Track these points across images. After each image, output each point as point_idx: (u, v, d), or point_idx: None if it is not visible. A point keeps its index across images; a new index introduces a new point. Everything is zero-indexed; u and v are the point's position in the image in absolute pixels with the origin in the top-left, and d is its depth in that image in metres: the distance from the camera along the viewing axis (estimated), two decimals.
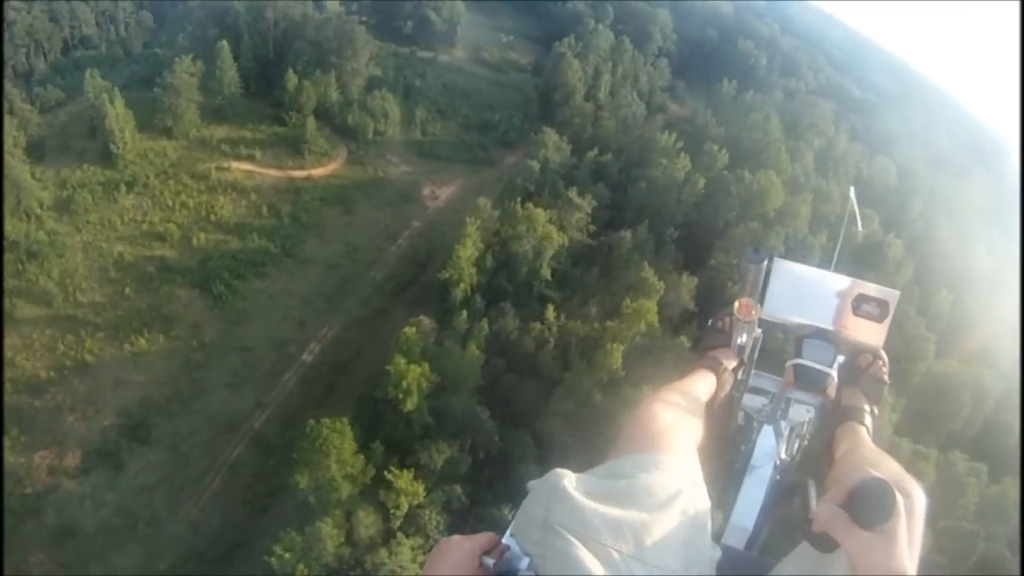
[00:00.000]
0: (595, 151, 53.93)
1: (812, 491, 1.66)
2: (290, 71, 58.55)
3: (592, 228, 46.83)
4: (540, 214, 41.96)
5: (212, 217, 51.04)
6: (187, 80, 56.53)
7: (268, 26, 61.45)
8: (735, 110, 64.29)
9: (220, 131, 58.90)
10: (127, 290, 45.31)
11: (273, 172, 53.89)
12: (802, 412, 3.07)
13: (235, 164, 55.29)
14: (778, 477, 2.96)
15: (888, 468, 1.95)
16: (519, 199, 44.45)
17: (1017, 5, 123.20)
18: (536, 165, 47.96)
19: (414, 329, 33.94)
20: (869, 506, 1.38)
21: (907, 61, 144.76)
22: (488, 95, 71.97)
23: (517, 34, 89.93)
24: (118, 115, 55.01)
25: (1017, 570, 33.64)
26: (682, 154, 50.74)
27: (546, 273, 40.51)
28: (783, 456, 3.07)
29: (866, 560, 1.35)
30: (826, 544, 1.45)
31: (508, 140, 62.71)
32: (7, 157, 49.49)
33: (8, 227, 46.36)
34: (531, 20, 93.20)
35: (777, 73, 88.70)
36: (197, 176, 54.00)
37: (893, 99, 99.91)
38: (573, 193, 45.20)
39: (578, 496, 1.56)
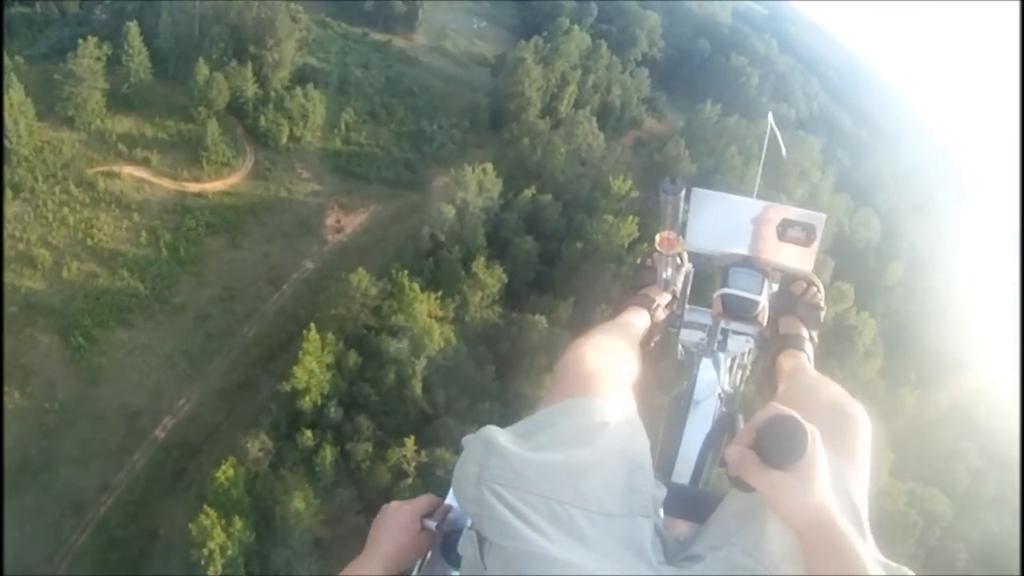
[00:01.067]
0: (533, 189, 47.92)
1: (740, 426, 1.67)
2: (200, 60, 53.14)
3: (499, 306, 41.61)
4: (421, 305, 36.43)
5: (88, 241, 47.86)
6: (91, 65, 52.58)
7: (191, 3, 54.08)
8: (714, 136, 58.68)
9: (123, 123, 55.18)
10: None
11: (165, 183, 49.65)
12: (741, 343, 3.19)
13: (127, 169, 51.65)
14: (724, 409, 3.05)
15: (829, 392, 1.99)
16: (405, 272, 38.72)
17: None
18: (450, 211, 41.61)
19: (229, 471, 30.19)
20: (778, 445, 1.39)
21: (904, 95, 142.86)
22: (437, 94, 65.41)
23: (493, 20, 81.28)
24: (13, 105, 51.39)
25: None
26: (630, 219, 45.20)
27: (416, 387, 35.66)
28: (726, 388, 3.17)
29: (781, 501, 1.37)
30: (744, 484, 1.44)
31: (444, 156, 55.96)
32: None
33: None
34: (512, 5, 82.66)
35: (768, 95, 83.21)
36: (84, 184, 50.45)
37: (885, 136, 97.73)
38: (480, 266, 39.23)
39: (511, 448, 1.54)
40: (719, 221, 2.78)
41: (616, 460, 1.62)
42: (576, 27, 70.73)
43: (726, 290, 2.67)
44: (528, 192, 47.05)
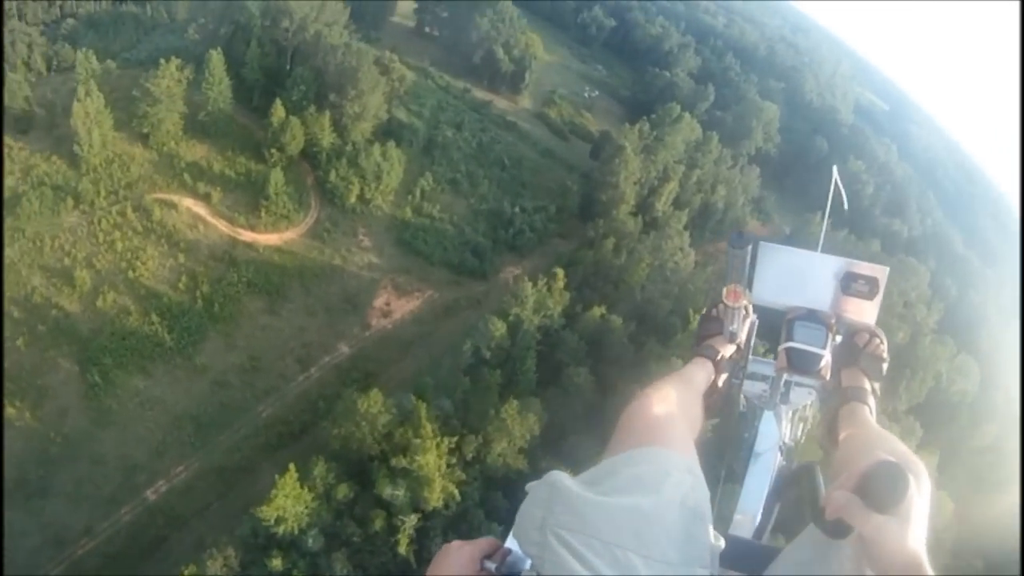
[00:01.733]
0: (602, 309, 45.84)
1: (819, 476, 1.88)
2: (277, 101, 54.30)
3: (525, 456, 38.87)
4: (428, 454, 32.50)
5: (130, 272, 48.65)
6: (170, 87, 54.18)
7: (284, 34, 52.65)
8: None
9: (196, 151, 56.43)
10: (20, 341, 44.09)
11: (220, 225, 51.84)
12: (803, 395, 3.34)
13: (187, 202, 53.04)
14: (783, 462, 3.17)
15: (893, 448, 2.08)
16: (423, 405, 34.89)
17: None
18: (500, 328, 38.09)
19: None
20: (883, 489, 1.49)
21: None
22: (528, 168, 64.25)
23: (606, 90, 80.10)
24: (88, 113, 52.66)
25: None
26: None
27: (402, 542, 31.74)
28: (787, 441, 3.30)
29: (882, 543, 1.46)
30: (839, 530, 1.56)
31: (520, 244, 53.93)
32: None
33: None
34: (627, 75, 78.77)
35: (882, 207, 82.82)
36: (141, 209, 52.12)
37: (997, 257, 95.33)
38: (511, 411, 35.21)
39: (576, 493, 1.64)
40: (785, 275, 2.94)
41: (677, 510, 1.70)
42: (688, 115, 69.27)
43: (791, 344, 2.81)
44: (596, 311, 45.57)
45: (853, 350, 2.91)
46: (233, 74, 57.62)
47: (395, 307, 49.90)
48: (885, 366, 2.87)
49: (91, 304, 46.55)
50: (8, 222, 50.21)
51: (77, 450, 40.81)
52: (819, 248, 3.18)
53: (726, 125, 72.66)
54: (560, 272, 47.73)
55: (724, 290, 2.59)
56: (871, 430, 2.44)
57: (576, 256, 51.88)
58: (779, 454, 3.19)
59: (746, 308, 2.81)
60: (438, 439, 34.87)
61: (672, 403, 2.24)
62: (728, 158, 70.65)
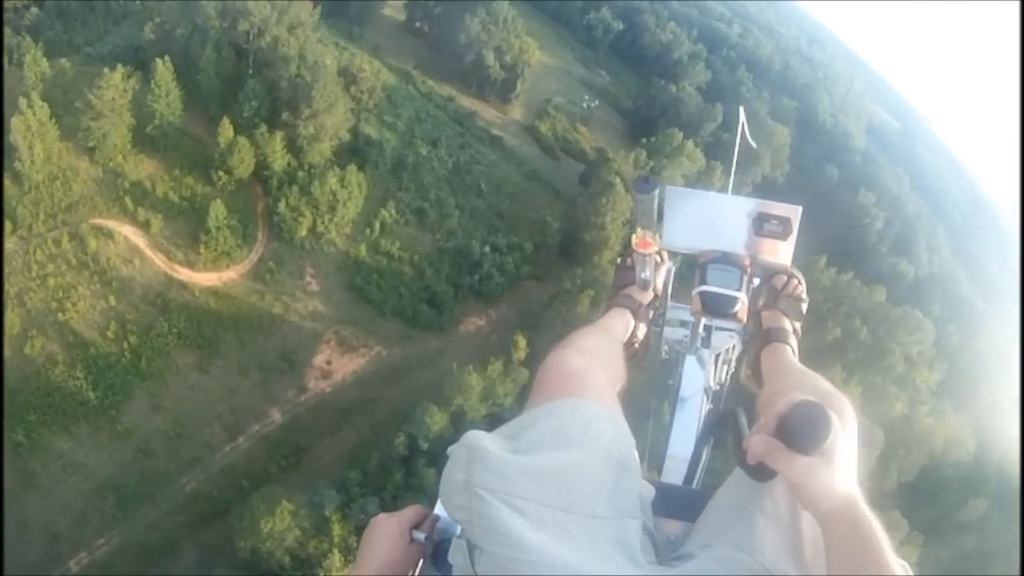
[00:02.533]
0: None
1: (742, 419, 1.87)
2: (225, 119, 52.65)
3: None
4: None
5: (60, 315, 48.05)
6: (114, 100, 51.72)
7: (245, 38, 48.78)
8: (824, 296, 56.36)
9: (143, 167, 54.90)
10: None
11: (157, 260, 51.32)
12: (725, 339, 3.55)
13: (126, 229, 52.09)
14: (710, 406, 3.38)
15: (816, 385, 2.20)
16: (336, 514, 33.16)
17: None
18: (439, 421, 38.26)
19: None
20: (804, 431, 1.54)
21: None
22: (508, 195, 60.95)
23: (608, 100, 76.41)
24: (29, 126, 50.58)
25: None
26: None
27: None
28: (712, 385, 3.53)
29: (809, 485, 1.52)
30: (762, 474, 1.63)
31: (487, 290, 51.36)
32: None
33: None
34: (632, 84, 73.44)
35: (890, 244, 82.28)
36: (78, 238, 51.37)
37: (998, 297, 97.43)
38: None
39: (494, 453, 1.68)
40: (695, 218, 2.99)
41: (602, 461, 1.75)
42: (690, 143, 65.86)
43: (704, 287, 2.87)
44: None
45: (772, 291, 3.03)
46: (189, 80, 55.09)
47: (336, 366, 49.61)
48: (804, 306, 3.00)
49: (19, 350, 46.73)
50: None
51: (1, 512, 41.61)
52: (729, 191, 3.64)
53: (733, 149, 65.89)
54: (522, 341, 43.98)
55: (633, 237, 2.63)
56: (794, 370, 2.53)
57: (546, 315, 48.57)
58: (705, 398, 3.39)
59: (660, 255, 3.03)
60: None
61: (591, 353, 2.29)
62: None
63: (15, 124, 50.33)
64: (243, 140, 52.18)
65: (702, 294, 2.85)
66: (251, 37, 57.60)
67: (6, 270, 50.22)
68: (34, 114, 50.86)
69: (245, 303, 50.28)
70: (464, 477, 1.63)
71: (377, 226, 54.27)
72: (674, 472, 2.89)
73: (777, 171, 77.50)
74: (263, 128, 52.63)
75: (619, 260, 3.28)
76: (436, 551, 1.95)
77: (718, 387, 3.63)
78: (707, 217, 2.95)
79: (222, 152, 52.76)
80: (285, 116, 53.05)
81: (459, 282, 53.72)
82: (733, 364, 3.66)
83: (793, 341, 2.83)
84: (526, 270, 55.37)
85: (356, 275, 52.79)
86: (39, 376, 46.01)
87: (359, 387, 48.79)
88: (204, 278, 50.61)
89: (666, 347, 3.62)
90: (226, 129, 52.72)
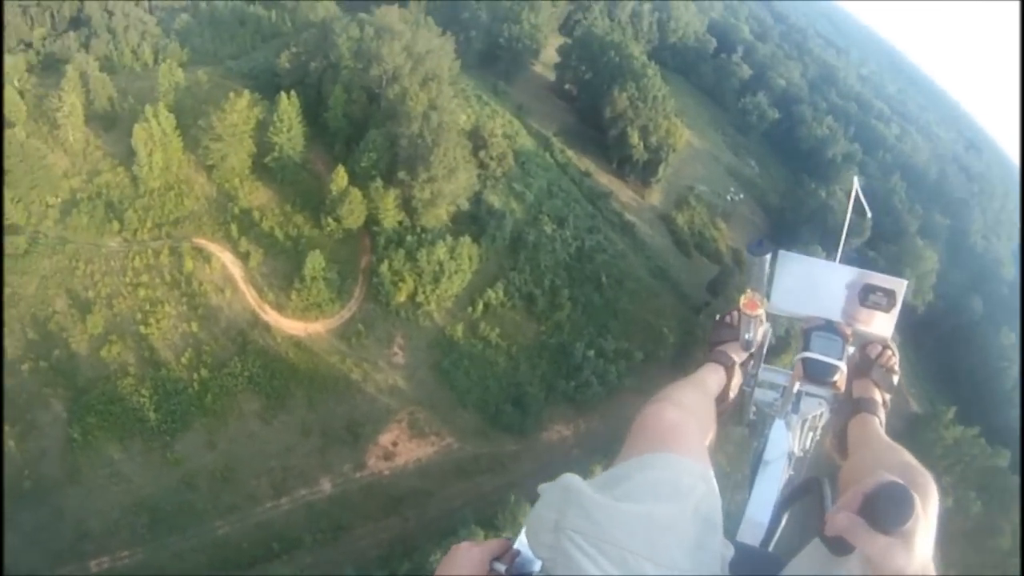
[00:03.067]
0: None
1: (827, 489, 2.25)
2: (340, 168, 59.24)
3: None
4: None
5: (143, 328, 55.39)
6: (236, 125, 60.64)
7: (378, 82, 55.58)
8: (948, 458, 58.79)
9: (257, 195, 63.25)
10: (25, 366, 51.27)
11: (248, 295, 58.47)
12: (814, 405, 4.07)
13: (225, 257, 59.80)
14: (791, 472, 3.92)
15: (901, 460, 2.56)
16: None
17: None
18: (436, 560, 37.99)
19: None
20: (887, 511, 1.79)
21: None
22: (630, 291, 64.57)
23: (754, 194, 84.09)
24: (152, 136, 59.94)
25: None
26: None
27: None
28: (796, 451, 4.06)
29: (887, 565, 1.78)
30: (841, 548, 1.91)
31: (583, 398, 56.62)
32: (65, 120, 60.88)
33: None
34: (781, 179, 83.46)
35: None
36: (177, 254, 59.20)
37: None
38: None
39: (589, 498, 2.07)
40: (803, 284, 3.54)
41: (689, 517, 2.11)
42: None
43: (808, 354, 3.31)
44: None
45: (865, 361, 3.53)
46: (319, 115, 61.51)
47: (402, 449, 54.56)
48: (896, 378, 3.45)
49: (96, 351, 54.25)
50: (55, 230, 57.64)
51: (44, 495, 48.55)
52: (838, 259, 3.83)
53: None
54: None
55: (742, 298, 3.11)
56: (880, 443, 2.96)
57: None
58: (788, 463, 3.82)
59: (761, 316, 3.41)
60: None
61: (686, 408, 2.73)
62: None
63: (136, 131, 59.60)
64: (356, 192, 58.59)
65: (805, 360, 3.34)
66: (384, 83, 65.06)
67: (103, 268, 57.52)
68: (159, 123, 60.21)
69: (324, 361, 55.69)
70: (556, 517, 2.04)
71: (480, 306, 58.62)
72: (749, 533, 3.25)
73: (919, 299, 77.81)
74: (379, 182, 58.82)
75: (717, 316, 3.88)
76: None
77: (801, 453, 4.10)
78: (815, 284, 3.52)
79: (333, 199, 59.36)
80: (402, 174, 58.76)
81: (554, 384, 56.98)
82: (818, 432, 4.16)
83: (882, 413, 3.29)
84: (629, 382, 57.33)
85: (446, 356, 57.13)
86: (107, 382, 52.83)
87: (420, 476, 52.44)
88: (290, 325, 56.69)
89: (754, 408, 4.14)
90: (340, 177, 59.36)
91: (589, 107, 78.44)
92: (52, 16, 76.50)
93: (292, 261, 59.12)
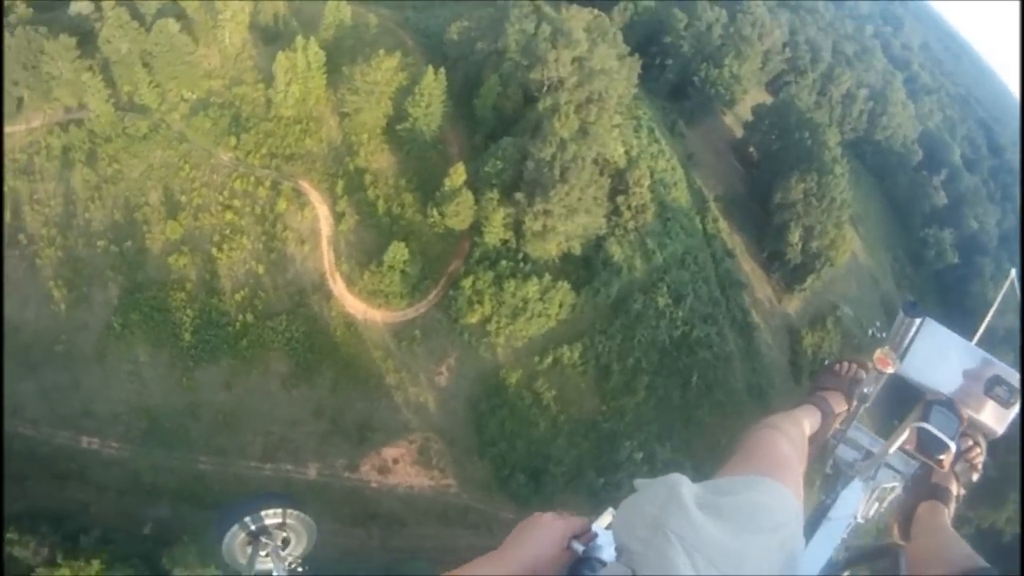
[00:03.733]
0: None
1: (903, 560, 3.17)
2: (459, 165, 65.36)
3: None
4: None
5: (215, 250, 65.45)
6: (378, 85, 68.85)
7: (538, 85, 63.34)
8: None
9: (375, 159, 71.71)
10: (102, 242, 63.16)
11: (325, 259, 66.34)
12: (889, 477, 4.86)
13: (320, 210, 68.87)
14: (844, 536, 4.55)
15: (968, 555, 3.56)
16: None
17: None
18: None
19: None
20: None
21: None
22: (715, 402, 68.68)
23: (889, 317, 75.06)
24: (294, 66, 69.76)
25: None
26: None
27: None
28: (859, 517, 4.74)
29: None
30: None
31: (606, 498, 55.16)
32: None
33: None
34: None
35: None
36: (276, 190, 68.78)
37: None
38: None
39: (694, 505, 2.72)
40: (939, 357, 4.20)
41: (775, 551, 2.73)
42: None
43: (926, 425, 3.94)
44: None
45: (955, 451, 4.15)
46: (471, 98, 71.20)
47: (399, 470, 62.58)
48: (976, 476, 4.21)
49: (165, 255, 65.72)
50: (179, 124, 69.14)
51: (67, 364, 60.13)
52: (975, 341, 4.48)
53: (1008, 361, 67.76)
54: None
55: (877, 351, 3.92)
56: (947, 532, 3.79)
57: None
58: (847, 526, 4.44)
59: (886, 375, 4.17)
60: None
61: (795, 444, 3.61)
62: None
63: (279, 58, 69.17)
64: (468, 194, 64.77)
65: (920, 430, 4.04)
66: (544, 89, 71.69)
67: (205, 178, 68.78)
68: (305, 56, 69.25)
69: (367, 352, 63.66)
70: (656, 512, 2.57)
71: (549, 359, 63.01)
72: None
73: None
74: (495, 193, 64.33)
75: (826, 362, 4.82)
76: (576, 563, 2.95)
77: (863, 521, 4.69)
78: (949, 359, 4.27)
79: (444, 193, 65.80)
80: (519, 195, 63.92)
81: (583, 473, 60.72)
82: (884, 505, 4.78)
83: (952, 506, 4.08)
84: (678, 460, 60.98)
85: (489, 398, 62.38)
86: (162, 288, 63.65)
87: (403, 503, 59.35)
88: (351, 303, 65.13)
89: (831, 462, 4.92)
90: (457, 173, 65.60)
91: (764, 181, 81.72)
92: None
93: (382, 239, 66.00)
